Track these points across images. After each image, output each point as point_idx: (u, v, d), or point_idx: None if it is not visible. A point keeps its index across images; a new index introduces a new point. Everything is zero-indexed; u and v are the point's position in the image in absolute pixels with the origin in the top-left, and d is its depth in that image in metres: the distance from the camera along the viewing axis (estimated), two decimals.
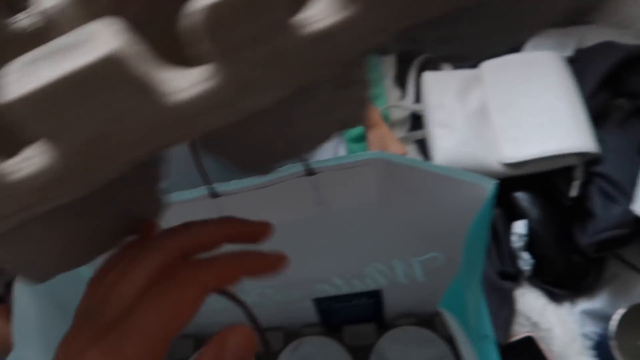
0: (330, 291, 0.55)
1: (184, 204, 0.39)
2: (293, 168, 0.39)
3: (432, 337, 0.59)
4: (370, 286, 0.55)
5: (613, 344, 0.54)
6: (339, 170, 0.40)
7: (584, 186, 0.63)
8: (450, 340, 0.59)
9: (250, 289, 0.53)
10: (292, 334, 0.64)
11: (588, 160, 0.64)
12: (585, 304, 0.62)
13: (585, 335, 0.60)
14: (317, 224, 0.44)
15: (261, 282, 0.52)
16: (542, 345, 0.61)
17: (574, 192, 0.63)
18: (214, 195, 0.39)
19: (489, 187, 0.38)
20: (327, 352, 0.60)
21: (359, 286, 0.54)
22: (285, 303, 0.57)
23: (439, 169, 0.39)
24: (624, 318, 0.56)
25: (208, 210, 0.40)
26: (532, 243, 0.65)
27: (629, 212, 0.58)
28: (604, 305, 0.62)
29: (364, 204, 0.43)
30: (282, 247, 0.25)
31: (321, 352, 0.60)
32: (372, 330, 0.61)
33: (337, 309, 0.60)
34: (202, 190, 0.39)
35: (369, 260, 0.51)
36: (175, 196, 0.39)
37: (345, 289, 0.55)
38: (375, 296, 0.57)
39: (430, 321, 0.62)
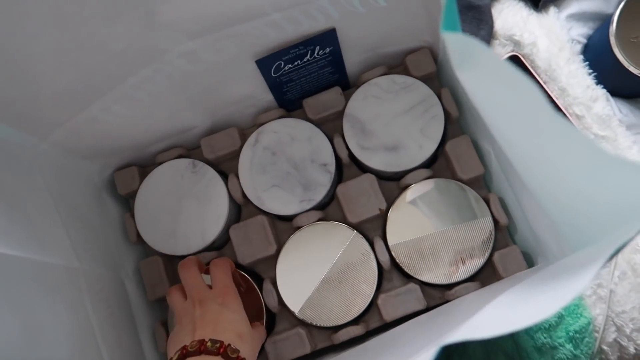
0: (271, 34, 0.42)
1: None
2: None
3: (409, 81, 0.49)
4: (319, 21, 0.42)
5: (613, 40, 0.47)
6: None
7: None
8: (427, 79, 0.50)
9: (173, 50, 0.41)
10: (247, 129, 0.54)
11: None
12: (573, 7, 0.53)
13: (574, 40, 0.52)
14: None
15: (184, 36, 0.40)
16: (528, 63, 0.53)
17: None
18: None
19: None
20: (292, 134, 0.50)
21: (304, 22, 0.42)
22: (222, 68, 0.45)
23: None
24: (622, 11, 0.47)
25: None
26: None
27: None
28: (595, 4, 0.53)
29: None
30: None
31: (286, 135, 0.50)
32: (337, 95, 0.51)
33: (290, 77, 0.48)
34: None
35: None
36: None
37: (290, 29, 0.42)
38: (330, 42, 0.45)
39: (401, 66, 0.52)
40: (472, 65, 0.24)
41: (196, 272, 0.41)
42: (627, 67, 0.47)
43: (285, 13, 0.41)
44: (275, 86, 0.49)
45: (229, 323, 0.37)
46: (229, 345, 0.35)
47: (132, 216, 0.51)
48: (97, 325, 0.41)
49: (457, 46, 0.23)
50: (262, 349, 0.46)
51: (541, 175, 0.31)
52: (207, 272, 0.43)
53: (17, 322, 0.32)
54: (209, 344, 0.35)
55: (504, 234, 0.48)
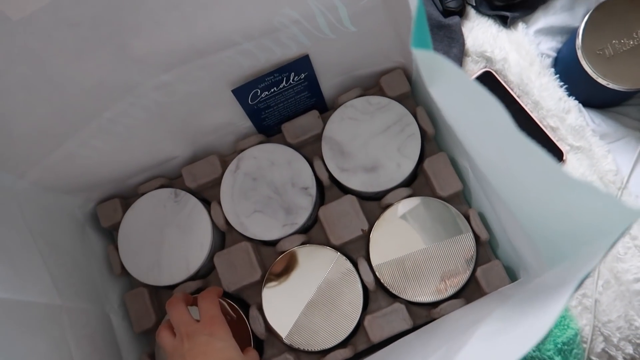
0: (245, 63, 0.43)
1: None
2: None
3: (384, 102, 0.50)
4: (292, 48, 0.43)
5: (580, 53, 0.48)
6: None
7: None
8: (402, 99, 0.51)
9: (147, 83, 0.41)
10: (228, 156, 0.54)
11: None
12: (541, 22, 0.54)
13: (543, 54, 0.54)
14: None
15: (157, 69, 0.41)
16: (500, 78, 0.54)
17: None
18: None
19: None
20: (272, 158, 0.50)
21: (277, 50, 0.43)
22: (199, 98, 0.45)
23: None
24: (587, 24, 0.49)
25: None
26: None
27: None
28: (561, 19, 0.54)
29: None
30: None
31: (265, 160, 0.51)
32: (315, 118, 0.52)
33: (268, 104, 0.49)
34: None
35: (275, 5, 0.38)
36: None
37: (263, 58, 0.43)
38: (304, 68, 0.46)
39: (376, 87, 0.53)
40: (443, 82, 0.25)
41: (183, 308, 0.41)
42: (595, 78, 0.48)
43: (256, 42, 0.42)
44: (253, 113, 0.50)
45: (217, 352, 0.37)
46: None
47: (116, 248, 0.51)
48: None
49: (428, 63, 0.24)
50: None
51: (513, 192, 0.32)
52: (195, 303, 0.43)
53: None
54: None
55: (485, 249, 0.48)
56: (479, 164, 0.38)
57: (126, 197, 0.54)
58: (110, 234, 0.54)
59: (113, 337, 0.48)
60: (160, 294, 0.51)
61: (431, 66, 0.25)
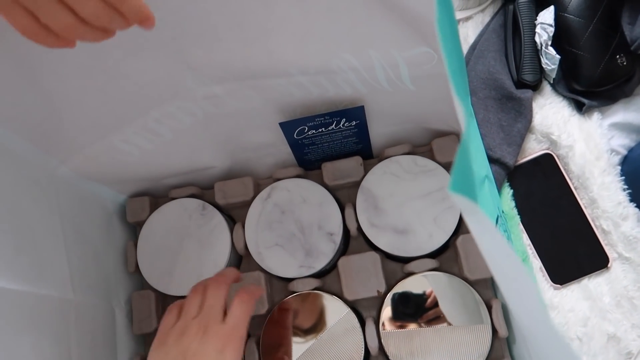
0: (297, 94, 0.42)
1: None
2: None
3: (431, 166, 0.48)
4: (346, 91, 0.42)
5: None
6: None
7: None
8: (450, 167, 0.49)
9: (198, 91, 0.41)
10: (263, 180, 0.53)
11: None
12: (618, 116, 0.51)
13: (613, 150, 0.50)
14: None
15: (210, 80, 0.40)
16: (561, 164, 0.51)
17: None
18: None
19: None
20: (305, 196, 0.49)
21: (331, 89, 0.41)
22: (245, 116, 0.45)
23: None
24: None
25: None
26: (561, 37, 0.50)
27: None
28: None
29: None
30: None
31: (298, 196, 0.49)
32: (357, 165, 0.50)
33: (313, 141, 0.48)
34: None
35: (336, 48, 0.37)
36: None
37: (315, 93, 0.42)
38: (357, 117, 0.45)
39: (426, 146, 0.51)
40: (478, 224, 0.23)
41: (224, 295, 0.38)
42: None
43: (311, 78, 0.41)
44: (297, 147, 0.49)
45: None
46: None
47: (135, 245, 0.51)
48: (77, 359, 0.41)
49: (466, 208, 0.22)
50: None
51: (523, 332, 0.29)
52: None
53: None
54: None
55: (501, 343, 0.45)
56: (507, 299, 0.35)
57: (156, 196, 0.54)
58: (134, 230, 0.54)
59: (113, 334, 0.48)
60: (166, 301, 0.52)
61: (468, 211, 0.23)
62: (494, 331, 0.44)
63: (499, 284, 0.28)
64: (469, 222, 0.26)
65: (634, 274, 0.48)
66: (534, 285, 0.20)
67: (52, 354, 0.38)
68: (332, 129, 0.46)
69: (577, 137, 0.50)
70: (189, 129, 0.47)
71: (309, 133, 0.47)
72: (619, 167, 0.50)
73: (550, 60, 0.50)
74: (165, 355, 0.35)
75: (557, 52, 0.50)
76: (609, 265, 0.48)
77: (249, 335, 0.48)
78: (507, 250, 0.20)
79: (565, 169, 0.51)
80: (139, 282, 0.53)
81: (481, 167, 0.39)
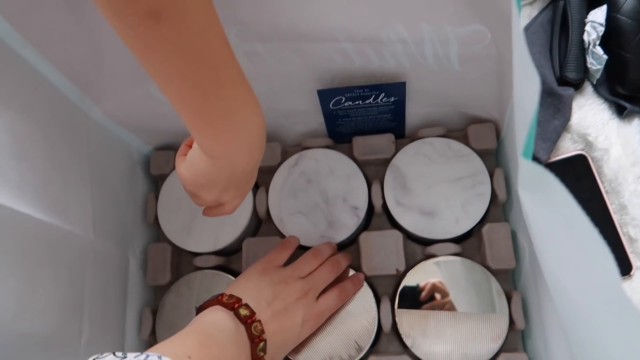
0: (338, 62, 0.41)
1: None
2: None
3: (465, 151, 0.47)
4: (390, 64, 0.41)
5: None
6: None
7: None
8: (484, 154, 0.48)
9: (240, 46, 0.41)
10: (291, 147, 0.53)
11: None
12: None
13: None
14: None
15: (254, 36, 0.40)
16: (594, 167, 0.50)
17: None
18: None
19: None
20: (333, 167, 0.49)
21: (374, 61, 0.41)
22: (283, 78, 0.44)
23: None
24: None
25: None
26: (611, 38, 0.49)
27: None
28: None
29: None
30: None
31: (325, 167, 0.49)
32: (389, 142, 0.50)
33: (347, 113, 0.47)
34: None
35: (388, 17, 0.36)
36: None
37: (358, 62, 0.41)
38: (397, 93, 0.44)
39: (461, 132, 0.50)
40: (539, 191, 0.22)
41: (332, 279, 0.43)
42: None
43: (357, 46, 0.40)
44: (330, 117, 0.48)
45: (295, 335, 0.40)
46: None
47: (156, 198, 0.51)
48: (89, 301, 0.41)
49: (532, 174, 0.21)
50: None
51: (576, 318, 0.29)
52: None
53: (14, 284, 0.32)
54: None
55: (516, 335, 0.45)
56: (547, 276, 0.34)
57: None
58: (156, 183, 0.54)
59: (125, 282, 0.48)
60: (181, 256, 0.51)
61: (535, 177, 0.22)
62: (510, 323, 0.44)
63: (556, 268, 0.27)
64: (530, 197, 0.25)
65: None
66: (611, 257, 0.19)
67: (67, 289, 0.38)
68: (370, 102, 0.46)
69: (614, 141, 0.50)
70: None
71: (345, 104, 0.46)
72: None
73: (597, 60, 0.50)
74: (259, 282, 0.39)
75: (605, 53, 0.49)
76: (631, 273, 0.48)
77: None
78: (584, 221, 0.19)
79: (598, 172, 0.50)
80: (155, 234, 0.53)
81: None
